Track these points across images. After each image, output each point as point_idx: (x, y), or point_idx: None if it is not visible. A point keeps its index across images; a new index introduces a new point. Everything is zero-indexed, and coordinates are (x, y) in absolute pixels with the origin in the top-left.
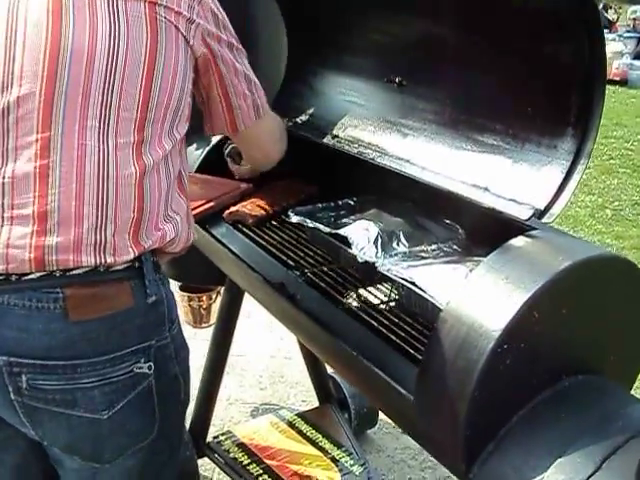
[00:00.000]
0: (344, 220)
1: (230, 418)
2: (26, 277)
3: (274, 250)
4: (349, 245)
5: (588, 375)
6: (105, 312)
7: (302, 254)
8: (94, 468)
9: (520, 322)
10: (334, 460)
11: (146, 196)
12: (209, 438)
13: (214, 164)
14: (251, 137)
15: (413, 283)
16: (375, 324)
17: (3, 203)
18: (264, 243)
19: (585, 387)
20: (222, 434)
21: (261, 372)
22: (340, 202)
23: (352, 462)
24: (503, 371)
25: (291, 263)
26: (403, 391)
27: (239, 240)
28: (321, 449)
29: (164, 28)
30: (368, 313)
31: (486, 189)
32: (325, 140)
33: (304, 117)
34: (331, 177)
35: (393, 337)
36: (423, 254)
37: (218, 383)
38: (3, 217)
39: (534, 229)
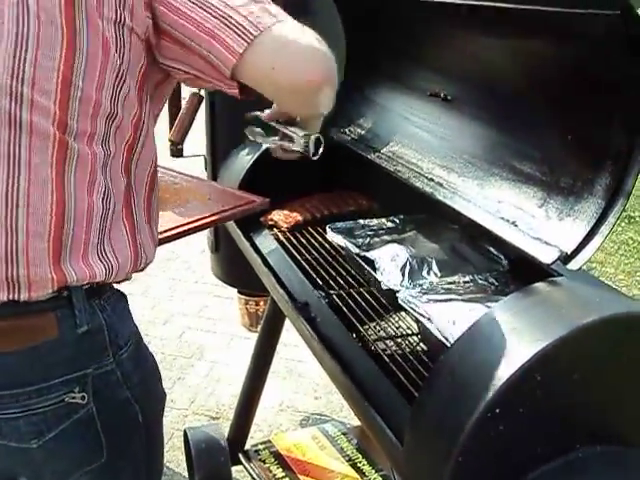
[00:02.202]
0: (379, 241)
1: (279, 425)
2: None
3: (306, 266)
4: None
5: (610, 446)
6: (25, 345)
7: (334, 273)
8: None
9: (517, 386)
10: None
11: (68, 212)
12: (252, 444)
13: (264, 170)
14: (256, 70)
15: (428, 319)
16: (385, 358)
17: None
18: (298, 257)
19: (603, 459)
20: (261, 443)
21: (318, 380)
22: (384, 220)
23: None
24: (495, 437)
25: (319, 282)
26: (394, 439)
27: (275, 251)
28: (358, 470)
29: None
30: (381, 345)
31: (514, 223)
32: (368, 154)
33: (353, 127)
34: (376, 192)
35: (400, 375)
36: (452, 286)
37: (259, 391)
38: None
39: (559, 275)
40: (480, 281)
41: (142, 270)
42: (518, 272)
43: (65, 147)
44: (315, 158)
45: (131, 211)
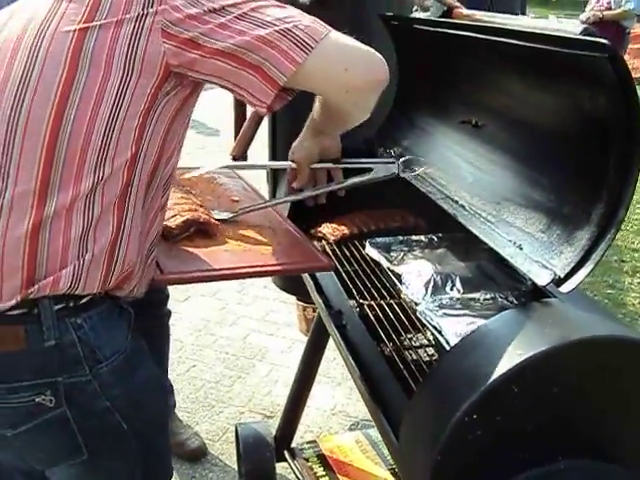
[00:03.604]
0: (411, 256)
1: (329, 428)
2: None
3: (345, 276)
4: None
5: (595, 461)
6: None
7: (369, 284)
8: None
9: (494, 394)
10: None
11: (40, 252)
12: (298, 443)
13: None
14: (324, 74)
15: (439, 331)
16: (400, 364)
17: None
18: (339, 267)
19: (584, 472)
20: (307, 443)
21: None
22: (422, 237)
23: None
24: (473, 441)
25: (354, 292)
26: (393, 437)
27: None
28: (397, 477)
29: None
30: (401, 355)
31: (520, 246)
32: (406, 174)
33: (397, 148)
34: (418, 211)
35: (410, 381)
36: (471, 302)
37: (306, 393)
38: None
39: (553, 296)
40: (500, 299)
41: (128, 293)
42: (538, 292)
43: (49, 169)
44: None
45: (122, 220)
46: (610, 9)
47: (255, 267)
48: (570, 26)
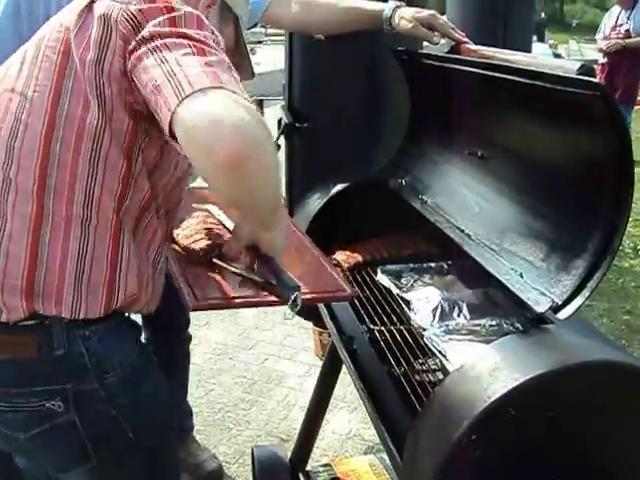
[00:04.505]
0: (420, 283)
1: (344, 451)
2: None
3: (357, 302)
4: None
5: None
6: (9, 356)
7: (380, 310)
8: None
9: (492, 416)
10: None
11: (42, 245)
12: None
13: (331, 213)
14: (181, 128)
15: (444, 356)
16: (408, 388)
17: None
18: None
19: None
20: (322, 466)
21: None
22: (432, 265)
23: None
24: (473, 461)
25: (365, 318)
26: (397, 457)
27: None
28: None
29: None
30: (408, 378)
31: (521, 275)
32: (416, 203)
33: (408, 177)
34: (428, 239)
35: (417, 404)
36: (477, 328)
37: (321, 417)
38: None
39: (551, 323)
40: (506, 325)
41: (139, 310)
42: (541, 318)
43: (42, 205)
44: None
45: (118, 252)
46: (629, 37)
47: None
48: (569, 64)
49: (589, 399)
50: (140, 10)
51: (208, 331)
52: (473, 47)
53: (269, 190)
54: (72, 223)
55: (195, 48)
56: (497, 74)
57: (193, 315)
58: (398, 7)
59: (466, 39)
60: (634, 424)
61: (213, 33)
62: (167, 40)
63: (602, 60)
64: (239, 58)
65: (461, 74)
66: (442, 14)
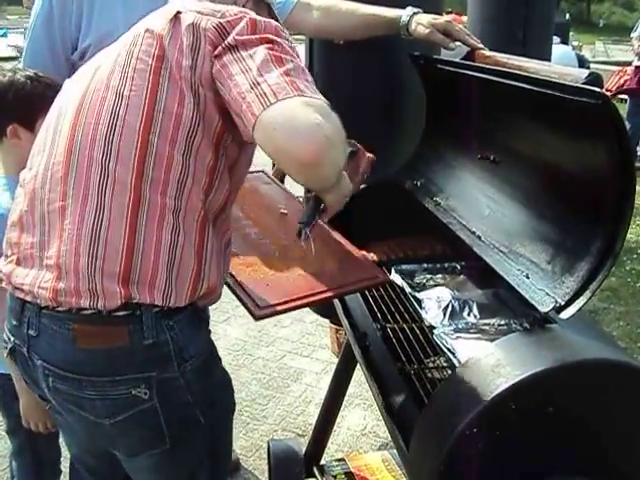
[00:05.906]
0: (433, 283)
1: (359, 447)
2: (56, 309)
3: (372, 301)
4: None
5: (588, 478)
6: (104, 346)
7: (393, 308)
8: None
9: (493, 410)
10: None
11: (139, 233)
12: (327, 460)
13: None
14: (263, 131)
15: (453, 353)
16: (417, 384)
17: (41, 255)
18: (367, 292)
19: None
20: (336, 460)
21: None
22: (445, 265)
23: None
24: (475, 453)
25: (379, 315)
26: (404, 448)
27: None
28: None
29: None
30: (418, 374)
31: (527, 276)
32: (430, 205)
33: (424, 180)
34: (443, 240)
35: (425, 399)
36: (486, 327)
37: (336, 413)
38: (41, 264)
39: (554, 322)
40: (514, 325)
41: (209, 302)
42: (547, 318)
43: (139, 194)
44: (303, 229)
45: (203, 243)
46: None
47: (334, 289)
48: (578, 72)
49: (586, 395)
50: (228, 21)
51: (227, 327)
52: (488, 53)
53: (336, 172)
54: (165, 213)
55: (274, 57)
56: (508, 81)
57: (212, 311)
58: (415, 13)
59: (481, 45)
60: (629, 419)
61: (287, 40)
62: (250, 49)
63: (637, 62)
64: None
65: (474, 80)
66: (463, 14)
